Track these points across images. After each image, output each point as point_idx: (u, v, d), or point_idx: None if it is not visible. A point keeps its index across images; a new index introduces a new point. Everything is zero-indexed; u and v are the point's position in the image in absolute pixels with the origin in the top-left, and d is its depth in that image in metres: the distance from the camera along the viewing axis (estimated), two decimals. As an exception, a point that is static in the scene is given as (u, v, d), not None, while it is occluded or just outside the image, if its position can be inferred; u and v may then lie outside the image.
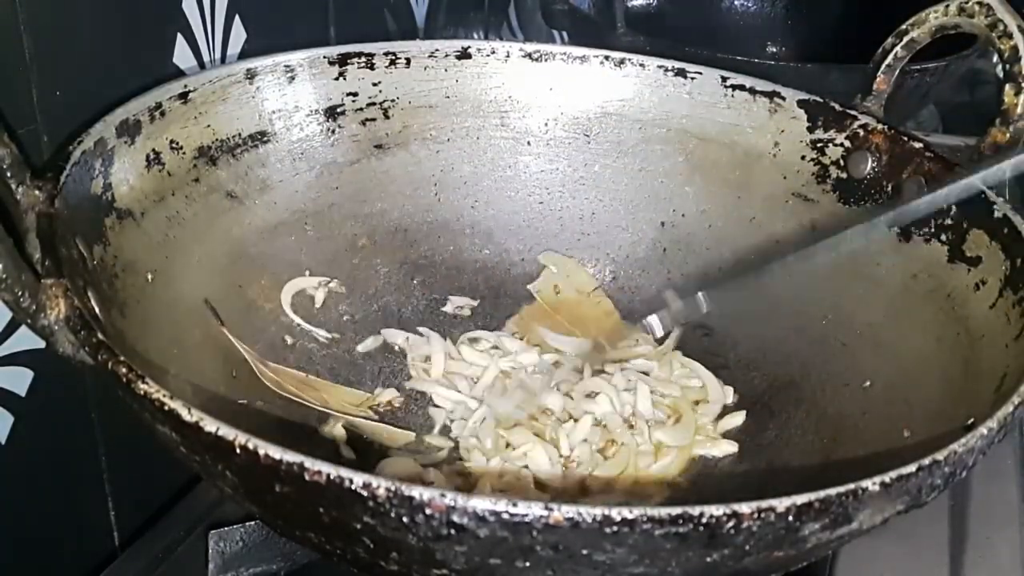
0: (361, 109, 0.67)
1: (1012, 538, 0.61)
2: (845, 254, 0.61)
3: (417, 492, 0.32)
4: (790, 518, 0.33)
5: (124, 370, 0.37)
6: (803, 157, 0.65)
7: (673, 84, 0.69)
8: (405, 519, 0.33)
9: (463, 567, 0.35)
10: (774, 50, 1.21)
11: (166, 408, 0.36)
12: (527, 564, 0.34)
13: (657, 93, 0.69)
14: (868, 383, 0.57)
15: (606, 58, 0.70)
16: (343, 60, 0.66)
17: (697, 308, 0.58)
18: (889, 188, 0.61)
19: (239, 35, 0.66)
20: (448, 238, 0.71)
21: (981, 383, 0.47)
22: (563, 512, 0.31)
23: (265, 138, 0.63)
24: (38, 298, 0.41)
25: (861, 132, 0.63)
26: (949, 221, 0.56)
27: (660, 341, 0.65)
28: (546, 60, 0.70)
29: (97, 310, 0.44)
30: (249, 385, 0.56)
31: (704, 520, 0.32)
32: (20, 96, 0.50)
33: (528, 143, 0.71)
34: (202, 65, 0.63)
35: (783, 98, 0.66)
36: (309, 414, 0.58)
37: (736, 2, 1.22)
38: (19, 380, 0.53)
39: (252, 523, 0.56)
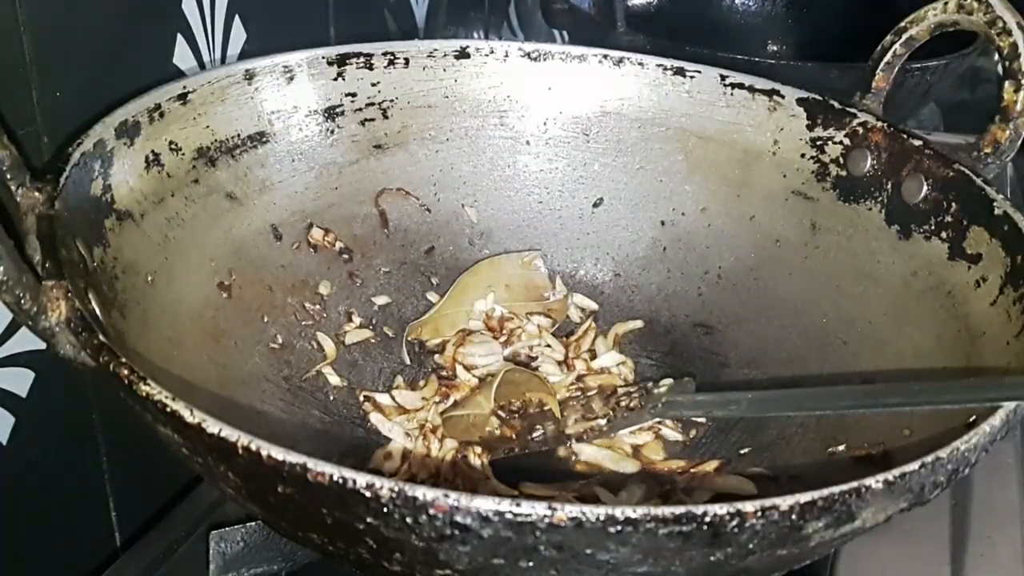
0: (360, 109, 0.67)
1: (1013, 537, 0.61)
2: (845, 252, 0.61)
3: (420, 492, 0.32)
4: (793, 516, 0.33)
5: (126, 372, 0.37)
6: (802, 155, 0.65)
7: (672, 83, 0.69)
8: (408, 519, 0.33)
9: (466, 567, 0.35)
10: (774, 48, 1.21)
11: (168, 409, 0.36)
12: (530, 564, 0.34)
13: (656, 92, 0.69)
14: (869, 381, 0.57)
15: (605, 57, 0.70)
16: (342, 60, 0.66)
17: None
18: (889, 186, 0.61)
19: (239, 35, 0.66)
20: (448, 238, 0.71)
21: (982, 380, 0.48)
22: (566, 512, 0.31)
23: (264, 139, 0.63)
24: (39, 300, 0.41)
25: (860, 130, 0.63)
26: (949, 218, 0.57)
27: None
28: (545, 59, 0.70)
29: (98, 312, 0.44)
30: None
31: (708, 519, 0.32)
32: (20, 97, 0.50)
33: (527, 143, 0.71)
34: (202, 66, 0.63)
35: (782, 96, 0.66)
36: (309, 416, 0.58)
37: (736, 1, 1.22)
38: (20, 381, 0.53)
39: (253, 523, 0.56)
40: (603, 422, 0.59)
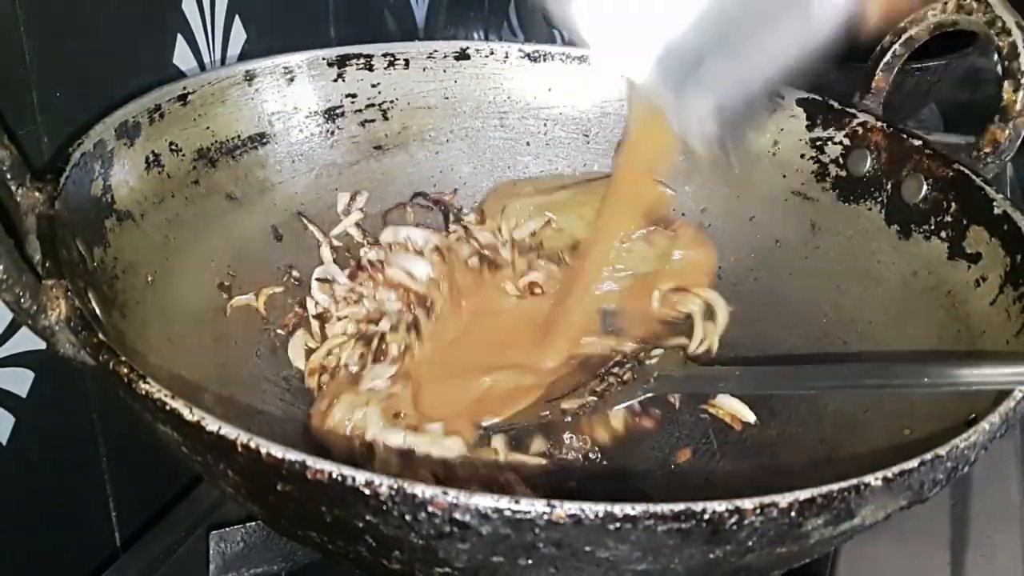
0: (360, 110, 0.67)
1: (1013, 537, 0.61)
2: (845, 253, 0.61)
3: (419, 490, 0.32)
4: (793, 513, 0.33)
5: (125, 370, 0.37)
6: (802, 156, 0.65)
7: (672, 83, 0.69)
8: (407, 517, 0.33)
9: (466, 565, 0.35)
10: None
11: (168, 408, 0.36)
12: (530, 561, 0.34)
13: (656, 92, 0.69)
14: (869, 380, 0.57)
15: (605, 58, 0.70)
16: (342, 61, 0.66)
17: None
18: (889, 186, 0.61)
19: (239, 36, 0.66)
20: (447, 238, 0.70)
21: (982, 379, 0.47)
22: (565, 509, 0.31)
23: (264, 140, 0.63)
24: (39, 299, 0.41)
25: (860, 130, 0.63)
26: (949, 218, 0.57)
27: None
28: (545, 60, 0.70)
29: (98, 311, 0.44)
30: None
31: (707, 516, 0.32)
32: (20, 97, 0.50)
33: (527, 144, 0.71)
34: (202, 66, 0.63)
35: (782, 97, 0.66)
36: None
37: (735, 1, 1.22)
38: (20, 381, 0.53)
39: (253, 523, 0.56)
40: (595, 398, 0.59)
